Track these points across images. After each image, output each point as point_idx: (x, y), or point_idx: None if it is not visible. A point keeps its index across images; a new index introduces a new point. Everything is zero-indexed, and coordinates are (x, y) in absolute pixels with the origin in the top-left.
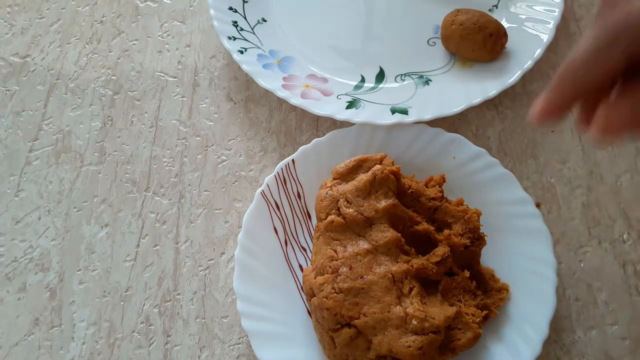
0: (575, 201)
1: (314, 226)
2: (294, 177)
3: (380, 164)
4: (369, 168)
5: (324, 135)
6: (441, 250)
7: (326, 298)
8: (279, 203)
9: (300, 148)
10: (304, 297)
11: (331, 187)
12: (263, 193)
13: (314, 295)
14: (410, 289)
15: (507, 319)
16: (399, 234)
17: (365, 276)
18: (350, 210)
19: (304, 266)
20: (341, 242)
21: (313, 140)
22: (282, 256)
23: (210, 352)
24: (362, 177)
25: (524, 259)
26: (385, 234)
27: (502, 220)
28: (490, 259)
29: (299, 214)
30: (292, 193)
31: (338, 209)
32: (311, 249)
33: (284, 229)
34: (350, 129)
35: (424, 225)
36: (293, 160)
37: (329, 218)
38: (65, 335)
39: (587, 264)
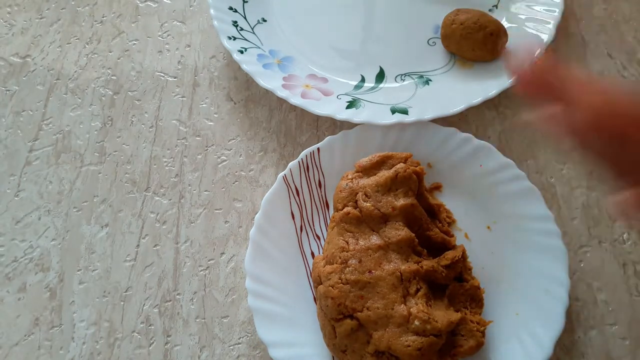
0: (575, 201)
1: (330, 216)
2: (317, 166)
3: (404, 163)
4: (393, 165)
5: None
6: (451, 254)
7: (332, 287)
8: (299, 189)
9: (327, 138)
10: (312, 283)
11: (352, 179)
12: (285, 177)
13: (321, 283)
14: (417, 290)
15: (512, 332)
16: (413, 234)
17: (373, 271)
18: (368, 204)
19: (316, 254)
20: (354, 234)
21: (341, 132)
22: (296, 241)
23: (210, 352)
24: (384, 173)
25: (538, 275)
26: (399, 232)
27: (520, 235)
28: (504, 271)
29: (318, 202)
30: (313, 181)
31: (355, 202)
32: (325, 237)
33: (300, 215)
34: (379, 125)
35: (439, 233)
36: (318, 149)
37: (345, 209)
38: (65, 335)
39: (587, 264)
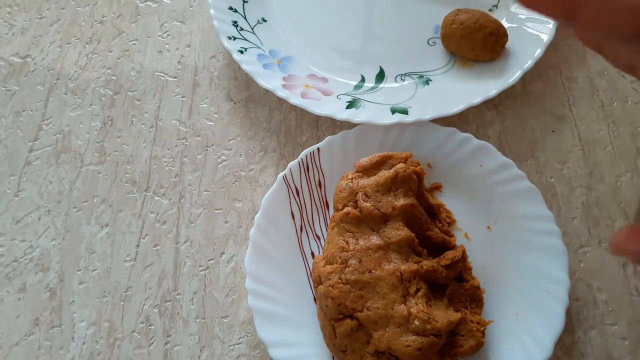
0: (575, 201)
1: (330, 216)
2: (317, 166)
3: (404, 163)
4: (393, 165)
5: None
6: (451, 254)
7: (332, 287)
8: (299, 189)
9: (327, 138)
10: (312, 283)
11: (352, 179)
12: (285, 177)
13: (321, 283)
14: (417, 290)
15: (512, 332)
16: (413, 234)
17: (373, 271)
18: (368, 204)
19: (316, 254)
20: (354, 234)
21: (341, 132)
22: (296, 241)
23: (210, 352)
24: (384, 173)
25: (538, 275)
26: (399, 232)
27: (520, 235)
28: (504, 271)
29: (318, 202)
30: (313, 181)
31: (355, 202)
32: (325, 237)
33: (300, 215)
34: (379, 125)
35: (439, 233)
36: (318, 149)
37: (345, 209)
38: (65, 335)
39: (587, 264)
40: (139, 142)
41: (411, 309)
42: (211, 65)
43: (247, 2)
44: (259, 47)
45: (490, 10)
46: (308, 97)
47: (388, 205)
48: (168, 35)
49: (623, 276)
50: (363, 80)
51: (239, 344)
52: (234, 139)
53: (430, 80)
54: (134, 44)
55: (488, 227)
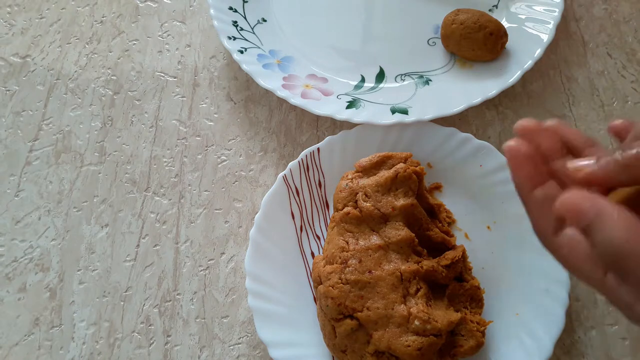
0: None
1: (330, 216)
2: (317, 166)
3: (404, 163)
4: (393, 165)
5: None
6: (451, 254)
7: (332, 287)
8: (299, 189)
9: (327, 138)
10: (312, 283)
11: (352, 179)
12: (285, 177)
13: (321, 283)
14: (417, 290)
15: (512, 332)
16: (413, 234)
17: (373, 271)
18: (368, 204)
19: (316, 254)
20: (354, 234)
21: (341, 132)
22: (296, 241)
23: (210, 352)
24: (384, 173)
25: (538, 275)
26: (399, 232)
27: (521, 234)
28: (504, 271)
29: (318, 202)
30: (313, 181)
31: (355, 202)
32: (325, 237)
33: (300, 215)
34: (379, 125)
35: (439, 233)
36: (319, 149)
37: (345, 209)
38: (65, 335)
39: None
40: (139, 142)
41: (411, 309)
42: (211, 65)
43: (247, 2)
44: (259, 47)
45: (490, 10)
46: (308, 97)
47: (388, 205)
48: (168, 35)
49: None
50: (363, 80)
51: (239, 344)
52: (234, 139)
53: (430, 80)
54: (134, 44)
55: (488, 227)
